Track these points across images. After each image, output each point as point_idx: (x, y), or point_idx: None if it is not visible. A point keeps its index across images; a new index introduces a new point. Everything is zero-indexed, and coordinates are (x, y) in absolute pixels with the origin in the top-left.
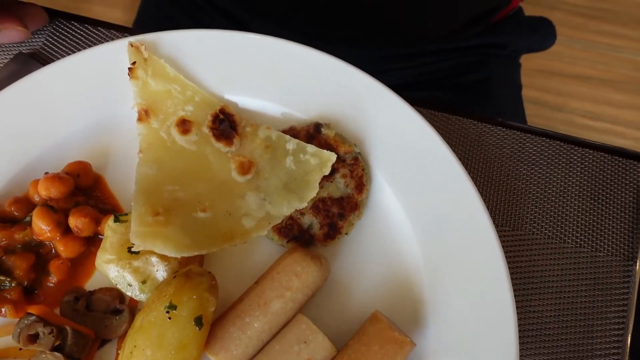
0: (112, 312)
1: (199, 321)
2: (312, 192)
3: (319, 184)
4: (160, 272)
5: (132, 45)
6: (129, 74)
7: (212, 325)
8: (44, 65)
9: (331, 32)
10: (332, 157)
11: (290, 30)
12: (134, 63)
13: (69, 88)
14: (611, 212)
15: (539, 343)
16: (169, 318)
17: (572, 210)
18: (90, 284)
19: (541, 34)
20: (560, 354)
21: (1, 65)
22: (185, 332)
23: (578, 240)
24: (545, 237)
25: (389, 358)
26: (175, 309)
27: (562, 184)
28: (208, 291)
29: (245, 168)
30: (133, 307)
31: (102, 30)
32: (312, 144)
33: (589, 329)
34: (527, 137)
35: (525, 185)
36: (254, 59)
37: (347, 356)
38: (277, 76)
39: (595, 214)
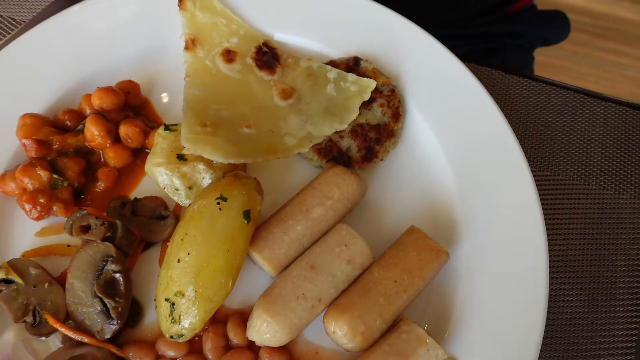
0: (157, 217)
1: (247, 215)
2: (353, 115)
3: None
4: (206, 179)
5: None
6: (178, 5)
7: (256, 228)
8: None
9: None
10: (372, 83)
11: None
12: None
13: (123, 15)
14: (634, 160)
15: (564, 273)
16: (220, 209)
17: (595, 156)
18: (134, 195)
19: (556, 26)
20: (584, 284)
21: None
22: (235, 223)
23: (602, 183)
24: (570, 179)
25: (425, 264)
26: (225, 201)
27: (585, 132)
28: (256, 190)
29: (287, 93)
30: (177, 214)
31: None
32: None
33: (613, 264)
34: (552, 89)
35: (551, 132)
36: None
37: (384, 261)
38: (318, 15)
39: (618, 160)
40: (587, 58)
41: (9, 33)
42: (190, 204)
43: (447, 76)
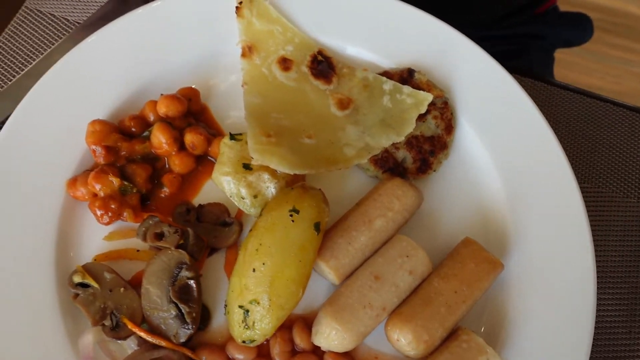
0: (221, 224)
1: (317, 227)
2: (410, 128)
3: None
4: (270, 189)
5: None
6: (236, 13)
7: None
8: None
9: None
10: (429, 97)
11: None
12: (240, 2)
13: (182, 22)
14: None
15: (603, 283)
16: (292, 221)
17: (635, 169)
18: (196, 201)
19: (580, 28)
20: (623, 295)
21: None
22: (306, 235)
23: None
24: (610, 191)
25: (483, 275)
26: (298, 213)
27: (625, 145)
28: (323, 202)
29: (345, 104)
30: (240, 221)
31: None
32: None
33: None
34: (593, 102)
35: (592, 145)
36: (352, 9)
37: (443, 272)
38: (370, 25)
39: None
40: (595, 54)
41: (63, 34)
42: (261, 215)
43: (497, 90)
